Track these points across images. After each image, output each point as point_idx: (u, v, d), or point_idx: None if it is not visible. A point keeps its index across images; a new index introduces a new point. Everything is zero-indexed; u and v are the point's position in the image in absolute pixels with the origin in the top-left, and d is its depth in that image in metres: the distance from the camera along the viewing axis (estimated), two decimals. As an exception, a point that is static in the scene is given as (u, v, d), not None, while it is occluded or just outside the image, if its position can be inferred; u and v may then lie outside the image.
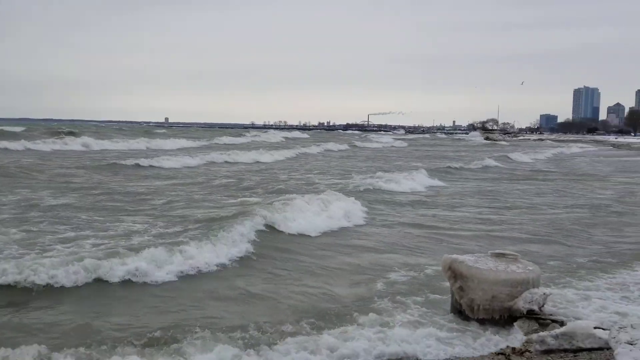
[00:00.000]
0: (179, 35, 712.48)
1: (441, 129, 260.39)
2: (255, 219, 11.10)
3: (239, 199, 15.32)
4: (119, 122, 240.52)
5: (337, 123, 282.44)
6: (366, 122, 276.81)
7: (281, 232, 11.12)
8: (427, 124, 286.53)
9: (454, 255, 7.58)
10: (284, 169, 28.12)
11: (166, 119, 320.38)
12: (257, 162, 33.05)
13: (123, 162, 26.46)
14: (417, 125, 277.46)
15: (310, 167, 29.98)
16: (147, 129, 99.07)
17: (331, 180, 21.85)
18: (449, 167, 29.13)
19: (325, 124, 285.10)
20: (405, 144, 77.11)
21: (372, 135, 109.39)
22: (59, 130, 57.61)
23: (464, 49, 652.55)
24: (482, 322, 6.74)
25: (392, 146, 70.54)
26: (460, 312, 7.01)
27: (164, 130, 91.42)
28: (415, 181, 21.45)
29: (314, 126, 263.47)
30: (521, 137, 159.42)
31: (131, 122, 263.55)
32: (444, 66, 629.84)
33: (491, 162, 33.80)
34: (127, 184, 19.10)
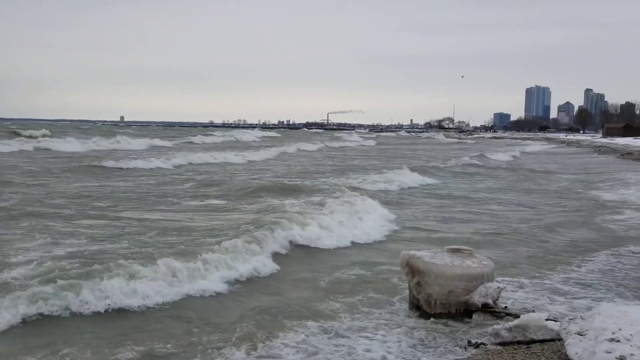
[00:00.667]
0: (129, 31, 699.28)
1: (399, 127, 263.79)
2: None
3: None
4: (72, 120, 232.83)
5: (297, 122, 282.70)
6: (326, 121, 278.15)
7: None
8: (386, 122, 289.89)
9: (412, 251, 7.65)
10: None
11: (122, 117, 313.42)
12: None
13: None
14: (375, 124, 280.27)
15: (319, 166, 29.98)
16: (107, 128, 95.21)
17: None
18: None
19: (286, 123, 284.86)
20: (373, 143, 76.73)
21: (342, 135, 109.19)
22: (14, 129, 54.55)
23: (422, 49, 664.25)
24: (439, 316, 6.83)
25: (362, 145, 69.75)
26: (418, 308, 7.09)
27: (129, 130, 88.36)
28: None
29: (274, 125, 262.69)
30: (476, 135, 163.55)
31: (85, 120, 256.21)
32: (401, 65, 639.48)
33: (475, 161, 34.28)
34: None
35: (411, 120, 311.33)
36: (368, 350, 5.74)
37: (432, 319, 6.76)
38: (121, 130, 72.14)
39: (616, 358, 3.77)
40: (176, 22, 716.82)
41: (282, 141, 61.16)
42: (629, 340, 4.07)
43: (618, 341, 4.06)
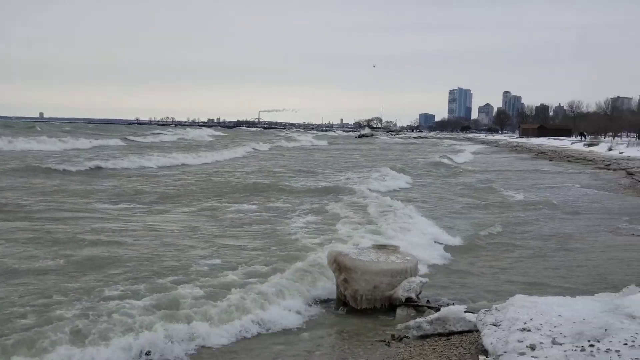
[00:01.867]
0: (45, 26, 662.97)
1: (330, 127, 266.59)
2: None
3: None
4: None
5: (227, 120, 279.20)
6: (257, 119, 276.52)
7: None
8: (316, 121, 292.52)
9: (339, 249, 7.76)
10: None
11: (41, 114, 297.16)
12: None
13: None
14: (307, 123, 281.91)
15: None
16: (26, 125, 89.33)
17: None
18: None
19: (215, 120, 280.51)
20: (325, 143, 76.25)
21: (293, 134, 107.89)
22: None
23: (351, 49, 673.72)
24: (365, 312, 6.96)
25: (315, 145, 68.76)
26: (345, 304, 7.19)
27: (52, 126, 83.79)
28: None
29: (204, 123, 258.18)
30: (403, 135, 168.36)
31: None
32: (333, 65, 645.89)
33: (447, 161, 35.42)
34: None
35: (341, 119, 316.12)
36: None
37: (358, 314, 6.87)
38: (64, 131, 68.07)
39: (527, 347, 3.98)
40: (98, 15, 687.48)
41: (237, 140, 60.01)
42: (538, 329, 4.31)
43: (529, 330, 4.29)
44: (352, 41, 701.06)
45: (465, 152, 52.82)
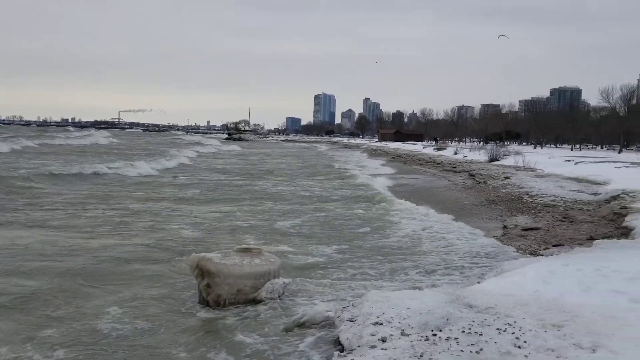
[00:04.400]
0: None
1: (196, 128, 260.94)
2: None
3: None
4: None
5: (84, 119, 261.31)
6: (117, 120, 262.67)
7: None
8: (182, 123, 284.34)
9: (202, 254, 7.62)
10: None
11: None
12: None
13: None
14: (171, 124, 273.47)
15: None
16: None
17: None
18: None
19: (70, 120, 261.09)
20: (237, 148, 73.40)
21: (199, 139, 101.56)
22: None
23: (221, 49, 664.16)
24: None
25: (223, 149, 66.33)
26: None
27: None
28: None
29: (56, 123, 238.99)
30: (271, 138, 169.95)
31: None
32: (199, 65, 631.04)
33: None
34: None
35: (208, 121, 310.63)
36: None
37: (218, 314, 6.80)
38: None
39: (379, 339, 4.24)
40: None
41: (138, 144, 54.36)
42: (389, 322, 4.62)
43: (381, 324, 4.58)
44: (222, 41, 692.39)
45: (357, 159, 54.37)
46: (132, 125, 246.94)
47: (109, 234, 11.58)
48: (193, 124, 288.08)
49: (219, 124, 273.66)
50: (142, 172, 26.25)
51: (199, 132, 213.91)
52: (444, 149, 64.24)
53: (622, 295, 5.60)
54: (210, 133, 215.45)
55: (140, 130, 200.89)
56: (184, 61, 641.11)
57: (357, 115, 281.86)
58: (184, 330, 6.23)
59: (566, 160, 33.04)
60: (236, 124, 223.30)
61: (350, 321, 4.81)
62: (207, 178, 25.83)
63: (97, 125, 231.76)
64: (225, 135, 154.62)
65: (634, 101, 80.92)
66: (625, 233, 11.29)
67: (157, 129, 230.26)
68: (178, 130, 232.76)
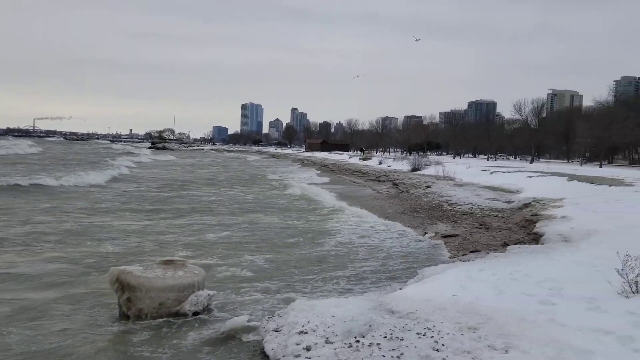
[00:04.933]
0: None
1: (117, 137, 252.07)
2: None
3: None
4: None
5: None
6: (32, 127, 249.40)
7: None
8: (102, 131, 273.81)
9: (122, 267, 7.34)
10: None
11: None
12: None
13: None
14: (91, 133, 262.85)
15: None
16: None
17: None
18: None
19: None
20: (173, 157, 70.31)
21: (129, 148, 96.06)
22: None
23: (142, 57, 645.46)
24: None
25: (167, 160, 63.61)
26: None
27: None
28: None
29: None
30: (196, 147, 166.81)
31: None
32: (120, 72, 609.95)
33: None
34: None
35: (130, 130, 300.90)
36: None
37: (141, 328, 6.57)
38: None
39: (303, 349, 4.27)
40: None
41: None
42: (314, 330, 4.66)
43: (306, 333, 4.61)
44: (144, 49, 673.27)
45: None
46: (48, 133, 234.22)
47: (23, 248, 10.91)
48: (114, 133, 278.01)
49: (142, 132, 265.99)
50: (92, 182, 25.64)
51: (120, 141, 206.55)
52: (369, 158, 65.69)
53: (532, 298, 5.96)
54: (132, 141, 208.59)
55: (64, 139, 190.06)
56: (104, 69, 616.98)
57: (284, 125, 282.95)
58: (97, 348, 5.96)
59: (482, 170, 34.72)
60: (160, 132, 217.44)
61: (276, 331, 4.81)
62: (150, 189, 24.93)
63: (9, 132, 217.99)
64: (149, 144, 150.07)
65: (544, 114, 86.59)
66: (536, 239, 12.01)
67: (75, 137, 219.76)
68: (98, 138, 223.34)
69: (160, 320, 6.72)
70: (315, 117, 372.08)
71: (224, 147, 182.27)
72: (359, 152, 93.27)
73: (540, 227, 12.93)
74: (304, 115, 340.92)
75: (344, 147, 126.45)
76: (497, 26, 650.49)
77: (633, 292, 5.65)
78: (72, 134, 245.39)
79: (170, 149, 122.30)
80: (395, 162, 52.11)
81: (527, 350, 4.41)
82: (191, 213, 17.08)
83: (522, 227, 14.61)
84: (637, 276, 5.69)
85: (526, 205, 17.60)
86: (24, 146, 69.52)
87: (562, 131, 75.10)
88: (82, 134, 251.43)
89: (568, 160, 75.40)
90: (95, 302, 7.59)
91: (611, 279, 5.91)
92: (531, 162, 63.25)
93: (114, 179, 29.33)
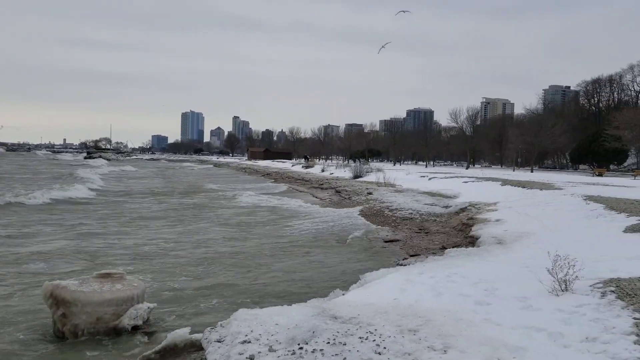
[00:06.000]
0: None
1: (51, 147, 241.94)
2: None
3: None
4: None
5: None
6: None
7: None
8: (35, 141, 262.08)
9: (56, 281, 7.05)
10: None
11: None
12: None
13: None
14: (22, 143, 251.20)
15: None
16: None
17: None
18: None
19: None
20: (133, 168, 67.87)
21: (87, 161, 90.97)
22: None
23: (76, 63, 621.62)
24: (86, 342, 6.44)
25: (129, 170, 61.42)
26: (65, 339, 6.56)
27: None
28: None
29: None
30: (134, 157, 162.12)
31: None
32: (49, 79, 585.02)
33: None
34: None
35: (64, 139, 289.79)
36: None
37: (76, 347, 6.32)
38: None
39: (247, 358, 4.24)
40: None
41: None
42: (258, 339, 4.64)
43: (250, 342, 4.58)
44: (78, 56, 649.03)
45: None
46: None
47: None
48: (47, 142, 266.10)
49: (76, 142, 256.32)
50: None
51: (63, 151, 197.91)
52: (312, 166, 65.99)
53: (468, 299, 6.17)
54: (67, 151, 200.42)
55: (3, 150, 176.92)
56: (33, 77, 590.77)
57: (226, 133, 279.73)
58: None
59: (421, 176, 35.64)
60: (96, 142, 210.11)
61: (218, 342, 4.75)
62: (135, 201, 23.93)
63: None
64: (84, 154, 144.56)
65: (479, 122, 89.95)
66: (472, 242, 12.44)
67: (5, 147, 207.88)
68: (30, 149, 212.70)
69: (96, 337, 6.48)
70: (258, 126, 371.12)
71: (164, 156, 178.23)
72: (303, 160, 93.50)
73: (476, 230, 13.40)
74: (246, 123, 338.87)
75: (286, 155, 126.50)
76: (433, 38, 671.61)
77: (562, 290, 5.95)
78: (1, 144, 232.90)
79: (107, 159, 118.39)
80: (337, 170, 52.59)
81: (464, 350, 4.56)
82: (123, 224, 16.61)
83: (459, 230, 15.10)
84: (566, 275, 6.00)
85: (463, 210, 18.19)
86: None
87: (496, 138, 78.22)
88: (13, 144, 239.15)
89: (501, 166, 78.59)
90: (29, 319, 7.24)
91: (542, 278, 6.21)
92: (467, 168, 65.46)
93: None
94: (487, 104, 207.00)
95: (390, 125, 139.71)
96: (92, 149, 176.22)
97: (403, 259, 11.22)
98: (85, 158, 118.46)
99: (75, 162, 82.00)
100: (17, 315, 7.37)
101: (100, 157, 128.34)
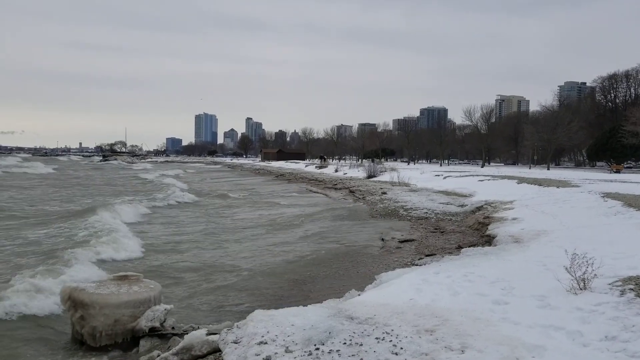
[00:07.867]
0: None
1: (67, 150, 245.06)
2: None
3: None
4: None
5: None
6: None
7: None
8: (51, 145, 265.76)
9: (74, 284, 7.13)
10: None
11: None
12: None
13: None
14: (38, 147, 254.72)
15: None
16: None
17: None
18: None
19: None
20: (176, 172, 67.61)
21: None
22: None
23: (92, 69, 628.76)
24: (104, 348, 6.51)
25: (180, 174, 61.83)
26: (83, 343, 6.63)
27: None
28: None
29: None
30: (149, 159, 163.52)
31: None
32: (68, 85, 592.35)
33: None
34: None
35: (80, 143, 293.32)
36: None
37: (95, 352, 6.39)
38: None
39: (263, 359, 4.25)
40: None
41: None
42: (274, 340, 4.64)
43: (266, 343, 4.58)
44: (91, 61, 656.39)
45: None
46: None
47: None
48: (63, 146, 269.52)
49: (92, 145, 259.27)
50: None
51: (70, 154, 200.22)
52: (325, 167, 66.00)
53: (485, 298, 6.12)
54: (84, 155, 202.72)
55: (30, 155, 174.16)
56: (46, 81, 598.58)
57: (239, 135, 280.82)
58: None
59: (436, 175, 35.44)
60: (112, 145, 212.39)
61: (235, 343, 4.76)
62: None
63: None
64: (100, 157, 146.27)
65: (493, 119, 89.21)
66: (489, 241, 12.34)
67: (31, 152, 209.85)
68: (46, 153, 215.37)
69: (116, 338, 6.54)
70: (271, 127, 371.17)
71: (178, 158, 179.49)
72: (318, 160, 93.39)
73: (492, 229, 13.29)
74: (259, 124, 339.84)
75: (299, 155, 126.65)
76: (445, 36, 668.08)
77: (581, 289, 5.87)
78: (19, 148, 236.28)
79: (123, 162, 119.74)
80: (351, 170, 52.53)
81: (482, 349, 4.52)
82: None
83: (475, 229, 14.98)
84: (584, 273, 5.92)
85: (478, 209, 18.06)
86: (39, 167, 64.21)
87: (511, 135, 77.60)
88: (30, 149, 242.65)
89: (517, 164, 77.92)
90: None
91: (560, 277, 6.13)
92: (482, 166, 65.01)
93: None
94: (502, 101, 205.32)
95: (403, 124, 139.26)
96: (108, 152, 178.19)
97: (419, 259, 11.17)
98: (100, 161, 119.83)
99: (119, 166, 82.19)
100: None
101: (116, 160, 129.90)
